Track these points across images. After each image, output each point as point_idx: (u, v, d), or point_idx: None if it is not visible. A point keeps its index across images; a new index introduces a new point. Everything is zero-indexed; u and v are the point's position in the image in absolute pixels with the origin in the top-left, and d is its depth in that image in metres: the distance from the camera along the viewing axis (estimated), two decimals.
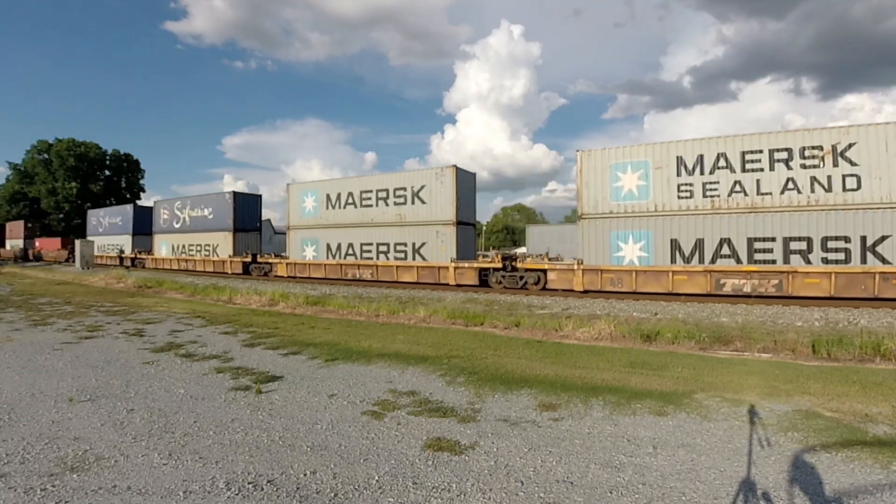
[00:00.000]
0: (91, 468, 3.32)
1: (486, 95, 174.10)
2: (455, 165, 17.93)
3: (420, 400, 4.88)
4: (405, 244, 18.98)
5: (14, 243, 51.60)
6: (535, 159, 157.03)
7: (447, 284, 17.48)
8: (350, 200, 20.74)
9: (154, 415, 4.43)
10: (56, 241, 46.19)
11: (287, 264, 22.51)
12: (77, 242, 31.85)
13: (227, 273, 24.92)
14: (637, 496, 2.96)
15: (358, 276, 19.98)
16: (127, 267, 30.65)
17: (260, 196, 28.15)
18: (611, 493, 3.00)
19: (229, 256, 25.17)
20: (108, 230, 35.89)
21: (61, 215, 56.95)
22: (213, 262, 26.02)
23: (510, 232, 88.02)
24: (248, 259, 24.58)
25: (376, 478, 3.21)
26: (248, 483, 3.12)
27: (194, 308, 12.38)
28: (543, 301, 13.59)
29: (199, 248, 27.42)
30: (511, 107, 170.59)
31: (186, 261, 27.87)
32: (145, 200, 64.07)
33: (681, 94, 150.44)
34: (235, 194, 25.92)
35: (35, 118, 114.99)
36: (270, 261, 23.68)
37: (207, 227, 26.97)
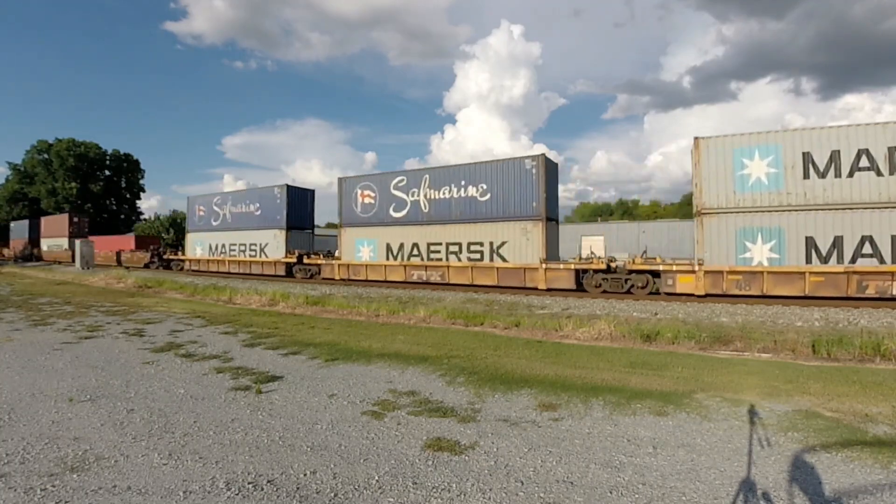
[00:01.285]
0: (91, 468, 3.32)
1: (486, 95, 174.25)
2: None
3: (420, 400, 4.88)
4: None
5: (54, 244, 41.30)
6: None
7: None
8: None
9: (154, 415, 4.43)
10: (126, 240, 38.30)
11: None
12: (77, 242, 31.65)
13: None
14: (637, 496, 2.96)
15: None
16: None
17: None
18: (611, 493, 3.00)
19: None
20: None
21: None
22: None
23: None
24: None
25: (376, 478, 3.21)
26: (248, 483, 3.12)
27: (194, 308, 12.38)
28: (543, 301, 13.58)
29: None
30: (511, 107, 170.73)
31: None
32: (145, 201, 63.91)
33: (681, 94, 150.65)
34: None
35: (35, 118, 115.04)
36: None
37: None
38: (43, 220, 46.46)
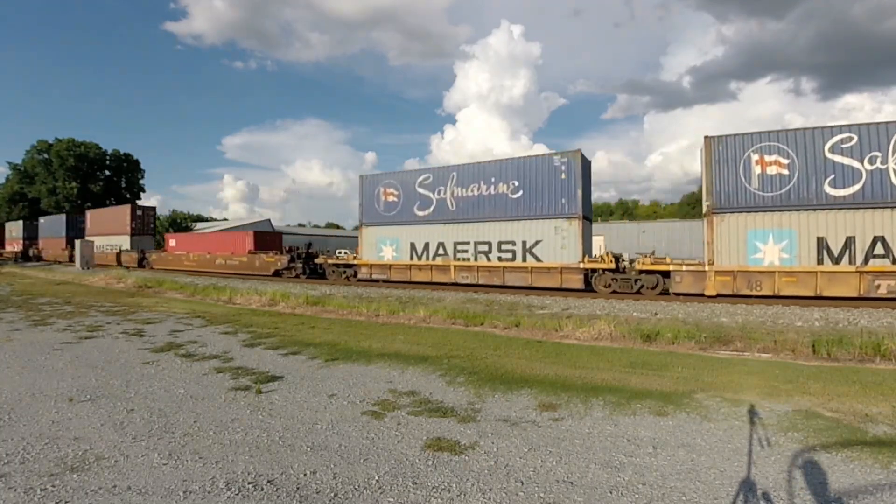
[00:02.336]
0: (91, 468, 3.32)
1: (486, 95, 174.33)
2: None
3: (420, 400, 4.88)
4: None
5: (106, 244, 32.02)
6: None
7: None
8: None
9: (154, 415, 4.43)
10: (236, 239, 25.62)
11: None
12: (77, 242, 31.55)
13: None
14: (637, 496, 2.96)
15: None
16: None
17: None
18: (611, 493, 3.00)
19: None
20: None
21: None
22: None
23: None
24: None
25: (376, 478, 3.21)
26: (248, 483, 3.12)
27: (194, 308, 12.38)
28: (543, 301, 13.57)
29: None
30: (511, 107, 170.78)
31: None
32: (145, 200, 63.96)
33: (680, 94, 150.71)
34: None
35: (35, 118, 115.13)
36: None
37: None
38: (90, 213, 37.68)
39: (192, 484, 3.11)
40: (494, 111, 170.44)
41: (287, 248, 24.03)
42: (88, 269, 28.72)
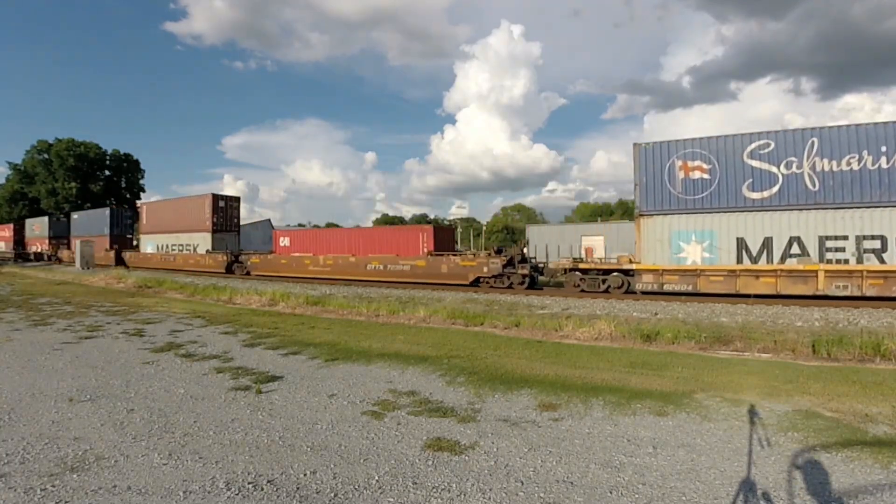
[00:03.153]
0: (91, 468, 3.32)
1: (486, 95, 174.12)
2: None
3: (420, 400, 4.88)
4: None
5: (175, 243, 27.21)
6: (535, 159, 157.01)
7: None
8: None
9: (154, 415, 4.42)
10: (409, 236, 19.46)
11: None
12: (77, 242, 31.46)
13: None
14: (637, 496, 2.96)
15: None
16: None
17: None
18: (611, 493, 3.00)
19: None
20: None
21: (62, 215, 56.02)
22: None
23: (510, 232, 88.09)
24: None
25: (376, 478, 3.21)
26: (248, 483, 3.12)
27: (194, 308, 12.38)
28: (543, 301, 13.58)
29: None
30: (511, 107, 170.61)
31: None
32: (144, 200, 63.87)
33: (680, 95, 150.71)
34: None
35: (35, 118, 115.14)
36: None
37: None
38: (146, 206, 31.14)
39: (192, 484, 3.11)
40: (494, 111, 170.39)
41: (496, 249, 18.76)
42: (88, 269, 28.71)
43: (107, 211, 34.11)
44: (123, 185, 61.95)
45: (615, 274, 14.79)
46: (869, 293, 11.69)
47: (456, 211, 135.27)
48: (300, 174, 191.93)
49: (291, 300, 12.75)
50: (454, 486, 3.10)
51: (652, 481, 3.15)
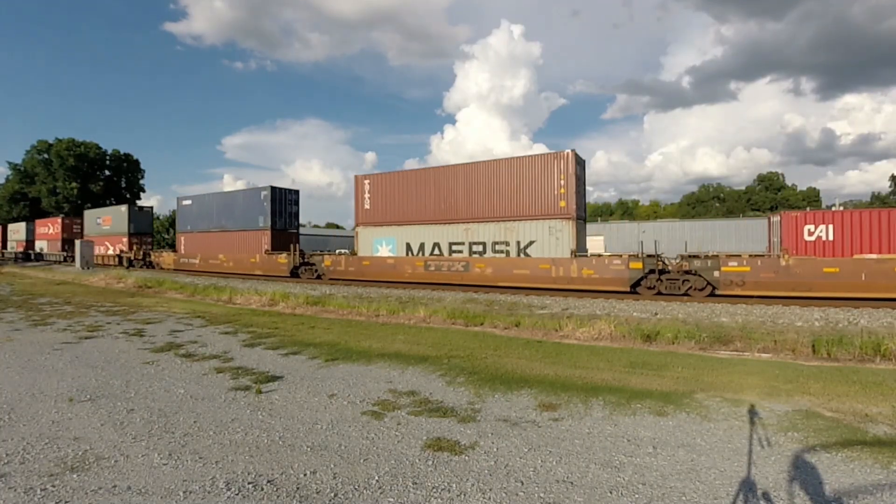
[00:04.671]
0: (91, 468, 3.32)
1: (486, 95, 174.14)
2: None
3: (420, 400, 4.88)
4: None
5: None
6: None
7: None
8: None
9: (154, 415, 4.43)
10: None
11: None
12: (77, 242, 31.45)
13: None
14: (637, 496, 2.96)
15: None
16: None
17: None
18: (611, 493, 3.00)
19: None
20: None
21: (62, 215, 55.72)
22: None
23: None
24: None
25: (376, 478, 3.21)
26: (248, 483, 3.12)
27: (194, 308, 12.38)
28: (543, 301, 13.57)
29: None
30: (511, 107, 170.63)
31: None
32: (145, 201, 63.68)
33: (680, 95, 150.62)
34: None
35: (35, 118, 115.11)
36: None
37: None
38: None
39: (192, 484, 3.11)
40: (494, 111, 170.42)
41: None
42: (88, 269, 28.72)
43: (263, 193, 22.50)
44: (123, 185, 61.99)
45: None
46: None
47: None
48: (300, 174, 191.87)
49: (291, 300, 12.75)
50: (454, 486, 3.10)
51: (652, 481, 3.15)
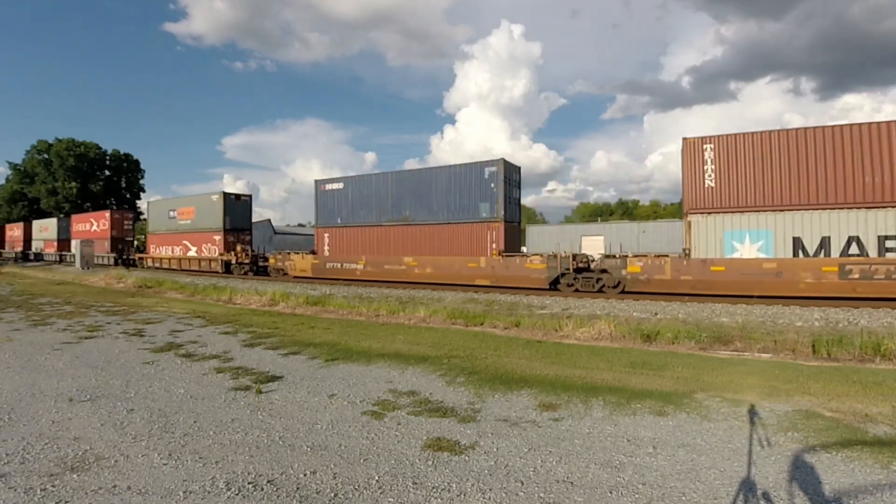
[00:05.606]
0: (91, 468, 3.32)
1: (485, 95, 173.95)
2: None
3: (420, 400, 4.88)
4: None
5: None
6: (535, 159, 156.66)
7: None
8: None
9: (154, 415, 4.42)
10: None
11: None
12: (77, 242, 31.35)
13: None
14: (637, 496, 2.96)
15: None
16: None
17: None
18: (611, 493, 3.00)
19: None
20: None
21: (62, 215, 55.41)
22: None
23: None
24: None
25: (376, 478, 3.21)
26: (248, 483, 3.12)
27: (194, 308, 12.37)
28: (543, 301, 13.57)
29: None
30: (511, 107, 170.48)
31: None
32: (145, 201, 63.57)
33: (680, 95, 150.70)
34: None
35: (35, 118, 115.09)
36: None
37: None
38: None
39: (192, 484, 3.11)
40: (494, 111, 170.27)
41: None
42: (88, 269, 28.71)
43: (494, 168, 16.97)
44: (123, 185, 62.00)
45: None
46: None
47: None
48: (300, 174, 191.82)
49: (291, 300, 12.75)
50: (454, 486, 3.10)
51: (652, 481, 3.15)
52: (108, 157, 60.02)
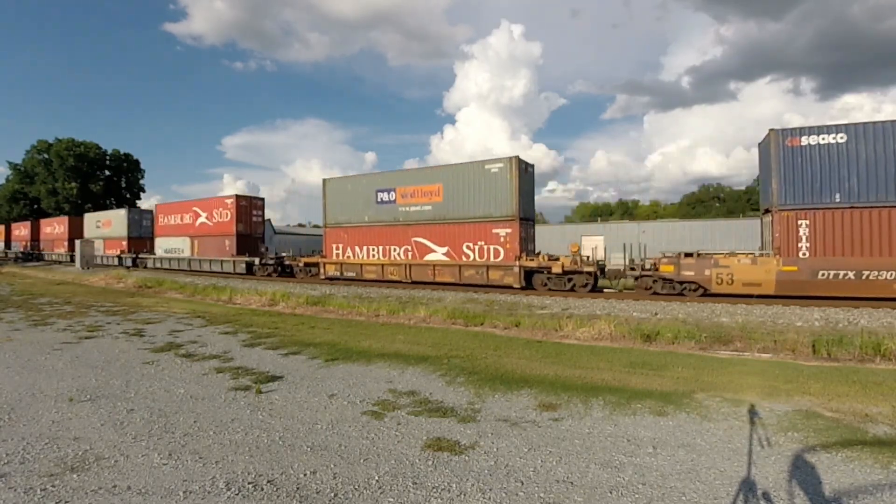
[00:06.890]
0: (91, 468, 3.32)
1: (485, 95, 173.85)
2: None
3: (420, 400, 4.88)
4: None
5: None
6: (535, 159, 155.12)
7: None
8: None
9: (154, 415, 4.43)
10: None
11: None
12: (77, 242, 31.39)
13: None
14: (637, 496, 2.96)
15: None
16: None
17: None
18: (611, 493, 3.00)
19: None
20: None
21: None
22: None
23: None
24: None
25: (376, 478, 3.21)
26: (248, 483, 3.12)
27: (194, 308, 12.38)
28: (543, 301, 13.57)
29: None
30: (511, 107, 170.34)
31: None
32: (145, 200, 63.48)
33: (680, 95, 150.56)
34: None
35: (35, 118, 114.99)
36: None
37: None
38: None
39: (192, 484, 3.11)
40: (494, 111, 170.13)
41: None
42: (88, 269, 28.72)
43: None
44: (123, 185, 62.00)
45: None
46: None
47: None
48: (300, 174, 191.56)
49: (291, 300, 12.75)
50: (454, 486, 3.10)
51: (652, 481, 3.15)
52: (108, 157, 60.02)
